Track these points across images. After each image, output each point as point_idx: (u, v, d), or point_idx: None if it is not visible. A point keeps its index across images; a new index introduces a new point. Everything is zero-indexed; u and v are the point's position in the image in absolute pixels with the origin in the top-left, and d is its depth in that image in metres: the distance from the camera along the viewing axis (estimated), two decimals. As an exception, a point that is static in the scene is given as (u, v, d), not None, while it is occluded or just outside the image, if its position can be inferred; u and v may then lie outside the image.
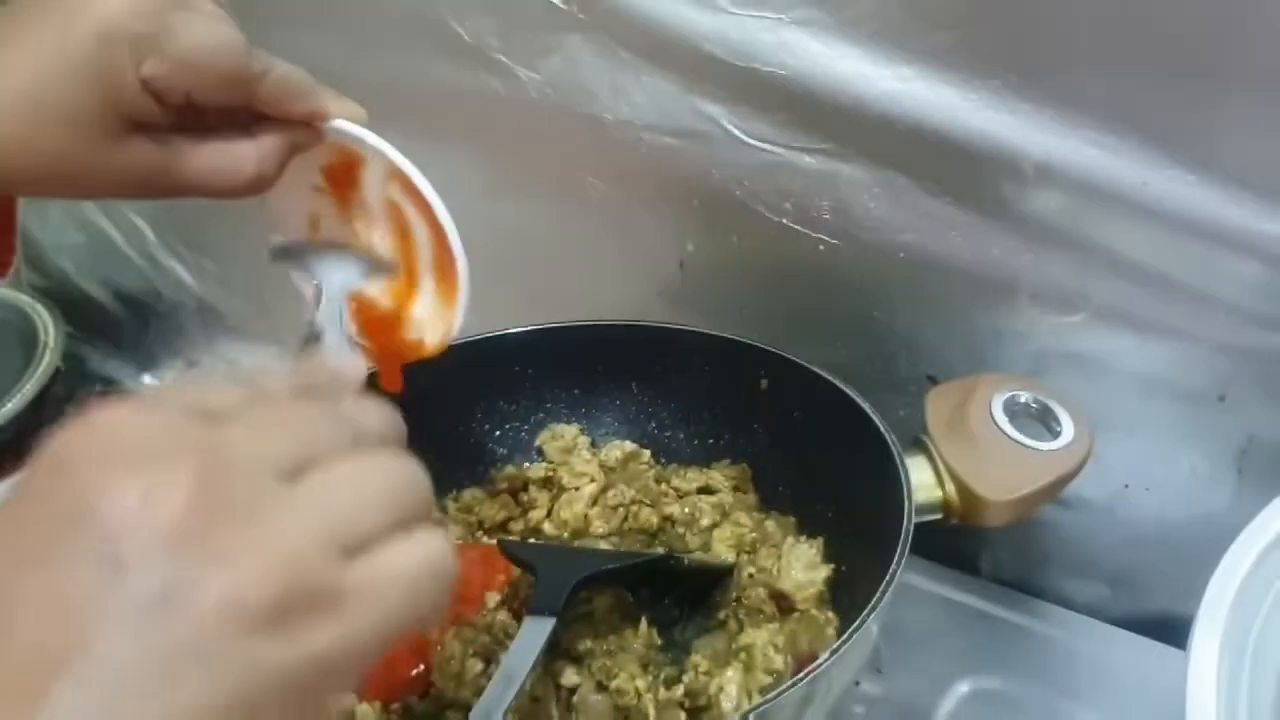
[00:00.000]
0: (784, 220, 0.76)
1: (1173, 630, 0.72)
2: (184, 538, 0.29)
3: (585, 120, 0.80)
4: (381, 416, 0.37)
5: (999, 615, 0.76)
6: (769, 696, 0.54)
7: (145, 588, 0.29)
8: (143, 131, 0.51)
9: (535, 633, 0.59)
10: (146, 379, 1.31)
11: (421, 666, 0.66)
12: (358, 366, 0.55)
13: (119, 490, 0.30)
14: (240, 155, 0.54)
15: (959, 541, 0.81)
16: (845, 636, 0.55)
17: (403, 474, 0.35)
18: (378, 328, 0.62)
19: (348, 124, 0.57)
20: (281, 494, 0.32)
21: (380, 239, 0.62)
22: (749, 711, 0.54)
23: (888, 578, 0.58)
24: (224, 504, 0.30)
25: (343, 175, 0.61)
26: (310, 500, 0.32)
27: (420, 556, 0.33)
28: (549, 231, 0.88)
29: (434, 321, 0.61)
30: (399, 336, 0.61)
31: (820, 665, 0.54)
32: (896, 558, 0.59)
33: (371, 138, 0.57)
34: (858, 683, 0.71)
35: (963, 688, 0.71)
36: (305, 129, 0.56)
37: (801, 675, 0.53)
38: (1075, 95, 0.64)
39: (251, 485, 0.31)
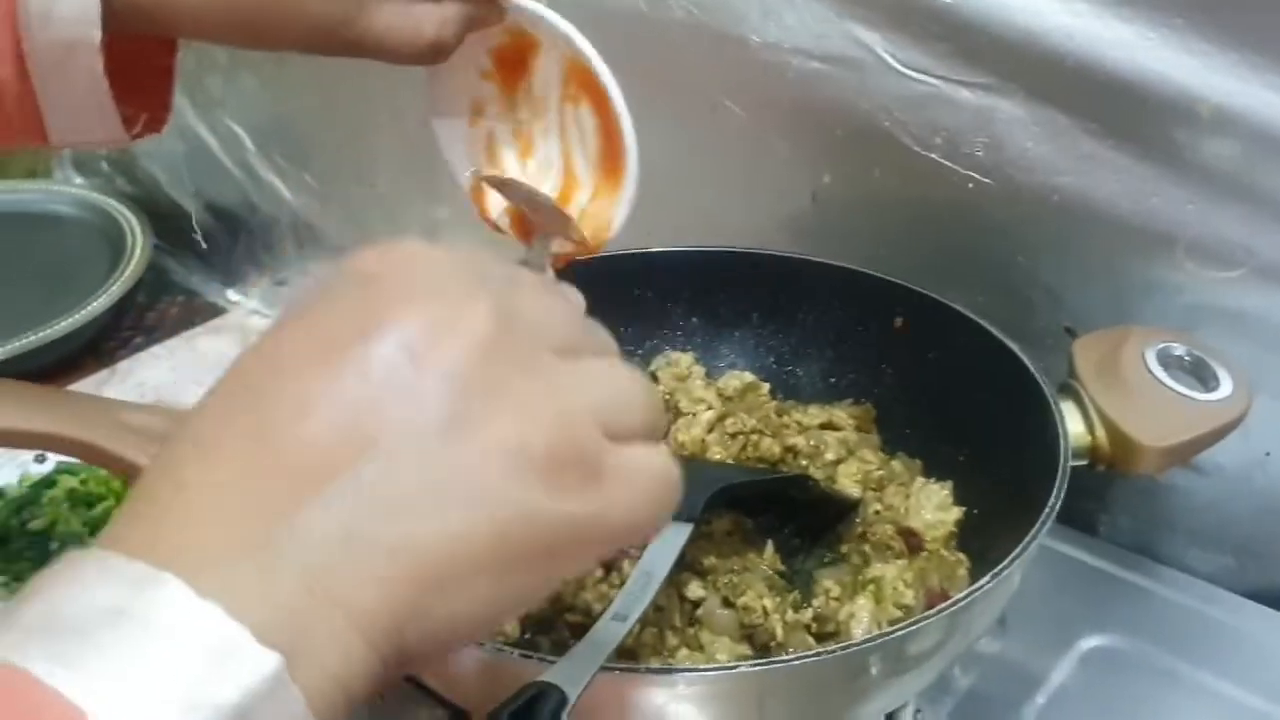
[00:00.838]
0: (933, 155, 0.74)
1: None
2: (481, 369, 0.30)
3: (730, 41, 0.79)
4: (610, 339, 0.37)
5: (1120, 576, 0.74)
6: (925, 615, 0.53)
7: (437, 410, 0.29)
8: None
9: (672, 536, 0.57)
10: (231, 294, 1.31)
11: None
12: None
13: (424, 308, 0.30)
14: (421, 17, 0.53)
15: (1078, 502, 0.79)
16: (1009, 560, 0.53)
17: (654, 392, 0.37)
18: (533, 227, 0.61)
19: (532, 2, 0.55)
20: (560, 364, 0.32)
21: (544, 132, 0.61)
22: (902, 628, 0.52)
23: (1043, 516, 0.57)
24: (513, 353, 0.31)
25: (513, 60, 0.59)
26: (584, 379, 0.33)
27: (664, 464, 0.34)
28: (675, 155, 0.86)
29: (594, 219, 0.60)
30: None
31: (985, 585, 0.52)
32: (1053, 497, 0.58)
33: (555, 18, 0.55)
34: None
35: (1084, 645, 0.69)
36: (488, 2, 0.55)
37: (964, 595, 0.52)
38: (1262, 38, 0.62)
39: (535, 347, 0.32)
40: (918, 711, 0.65)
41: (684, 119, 0.84)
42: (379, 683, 0.29)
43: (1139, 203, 0.69)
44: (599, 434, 0.32)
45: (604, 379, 0.34)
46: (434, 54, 0.54)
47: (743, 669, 0.50)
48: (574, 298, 0.38)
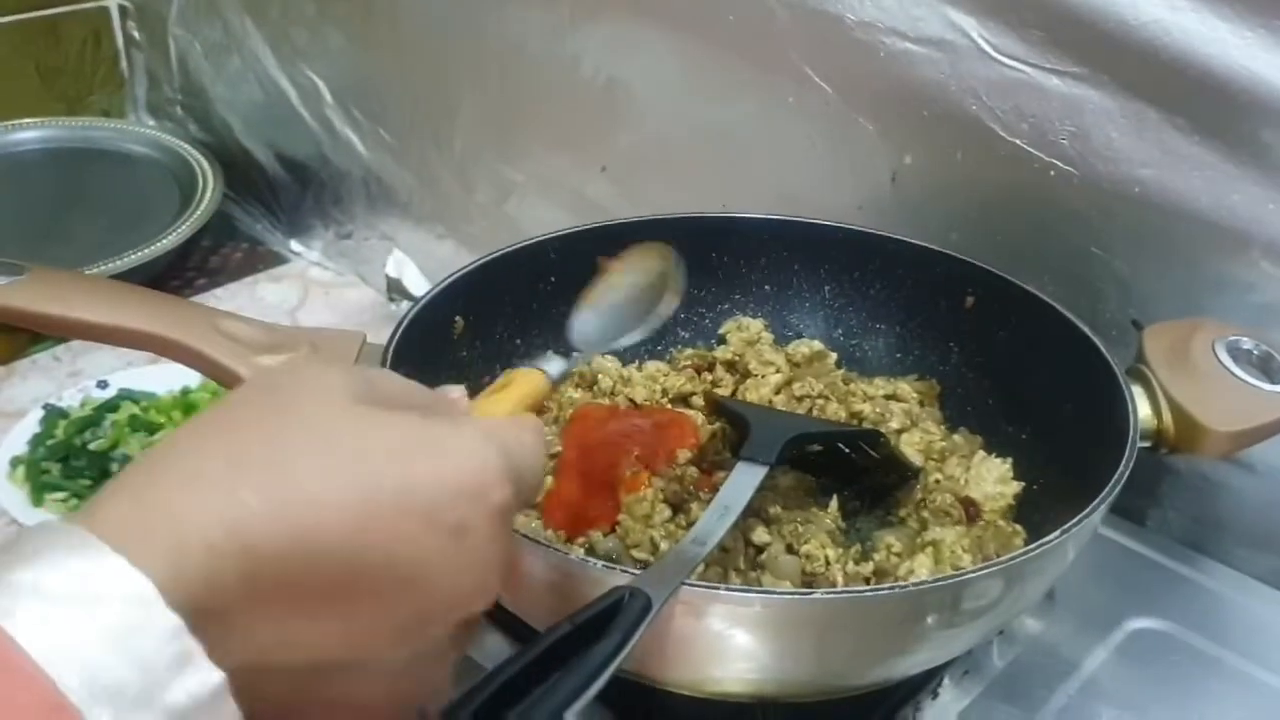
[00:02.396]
0: (1018, 141, 0.76)
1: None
2: None
3: (824, 18, 0.80)
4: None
5: (1168, 565, 0.75)
6: (986, 564, 0.54)
7: None
8: None
9: (749, 475, 0.59)
10: (294, 244, 1.33)
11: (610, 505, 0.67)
12: None
13: None
14: None
15: (1128, 496, 0.80)
16: (1074, 522, 0.55)
17: None
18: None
19: None
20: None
21: None
22: (963, 574, 0.54)
23: (1108, 488, 0.58)
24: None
25: None
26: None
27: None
28: (759, 126, 0.88)
29: None
30: None
31: (1050, 541, 0.53)
32: (1118, 473, 0.59)
33: None
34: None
35: (1129, 627, 0.70)
36: None
37: (1025, 551, 0.54)
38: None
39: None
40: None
41: (771, 91, 0.86)
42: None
43: (1219, 200, 0.70)
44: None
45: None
46: None
47: (817, 595, 0.52)
48: None
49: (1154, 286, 0.75)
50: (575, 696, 0.40)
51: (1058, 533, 0.54)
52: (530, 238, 0.78)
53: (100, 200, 1.34)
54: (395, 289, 1.29)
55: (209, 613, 0.32)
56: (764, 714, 0.57)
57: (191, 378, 1.11)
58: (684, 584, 0.49)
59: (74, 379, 1.04)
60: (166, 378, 1.08)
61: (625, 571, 0.51)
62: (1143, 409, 0.65)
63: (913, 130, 0.80)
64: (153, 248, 1.19)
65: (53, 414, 0.96)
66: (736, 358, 0.79)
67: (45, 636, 0.29)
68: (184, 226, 1.24)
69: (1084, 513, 0.56)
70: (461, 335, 0.74)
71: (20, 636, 0.29)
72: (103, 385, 1.02)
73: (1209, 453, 0.64)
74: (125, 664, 0.30)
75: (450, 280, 0.72)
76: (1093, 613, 0.71)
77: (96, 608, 0.30)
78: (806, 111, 0.85)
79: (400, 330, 0.67)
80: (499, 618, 0.67)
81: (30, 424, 0.95)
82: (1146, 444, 0.65)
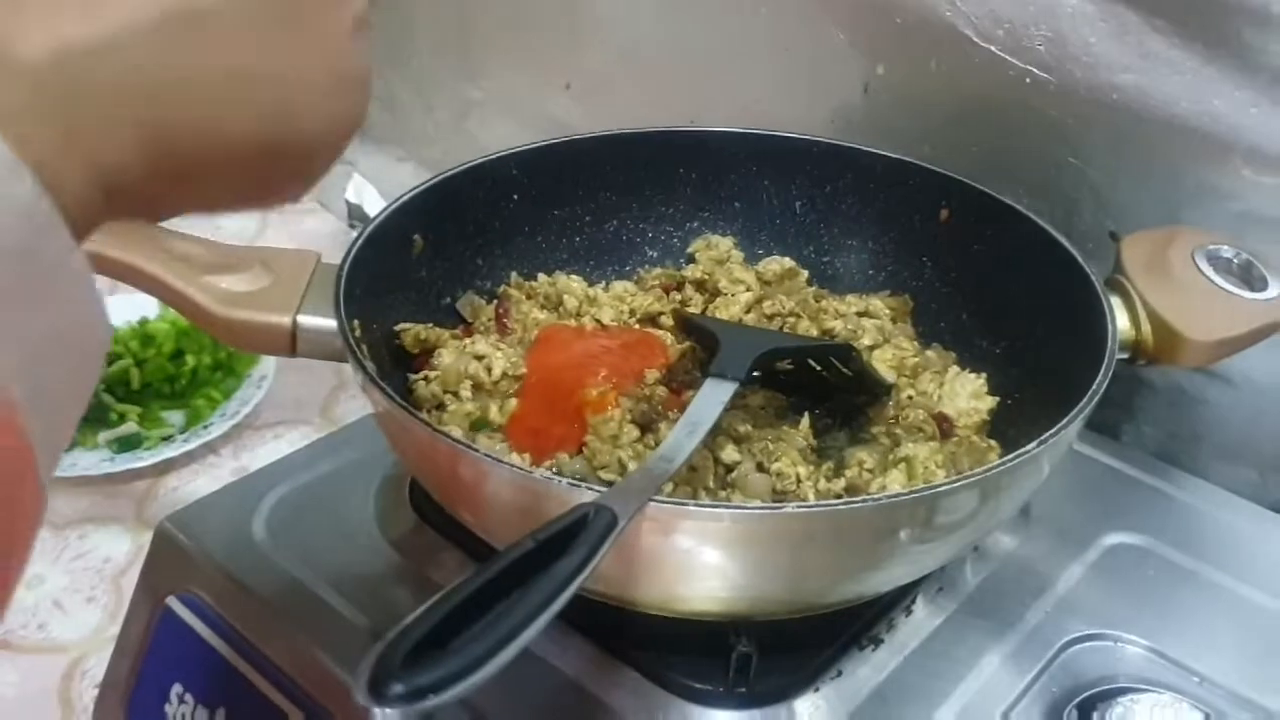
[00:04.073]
0: (992, 48, 0.73)
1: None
2: None
3: (794, -78, 0.78)
4: None
5: (1144, 480, 0.74)
6: (961, 476, 0.53)
7: None
8: None
9: (717, 392, 0.57)
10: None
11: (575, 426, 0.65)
12: None
13: None
14: None
15: (1103, 411, 0.79)
16: (1051, 433, 0.53)
17: None
18: None
19: None
20: None
21: None
22: (938, 485, 0.52)
23: (1085, 399, 0.57)
24: None
25: None
26: None
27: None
28: (727, 38, 0.86)
29: None
30: None
31: (1027, 452, 0.52)
32: (1096, 385, 0.57)
33: None
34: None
35: (1105, 542, 0.69)
36: None
37: (1000, 462, 0.52)
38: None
39: None
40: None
41: (738, 1, 0.83)
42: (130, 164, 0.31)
43: (1200, 104, 0.68)
44: None
45: None
46: None
47: (788, 509, 0.50)
48: None
49: (1131, 196, 0.73)
50: (536, 614, 0.39)
51: (1033, 444, 0.53)
52: (491, 153, 0.75)
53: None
54: (356, 214, 1.26)
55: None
56: (737, 633, 0.56)
57: (149, 307, 1.08)
58: (651, 500, 0.48)
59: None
60: (122, 309, 1.05)
61: (591, 489, 0.49)
62: (1121, 320, 0.63)
63: (886, 39, 0.78)
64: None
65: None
66: (706, 276, 0.77)
67: None
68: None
69: (1061, 424, 0.55)
70: (420, 254, 0.72)
71: None
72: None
73: (1188, 363, 0.62)
74: None
75: (407, 197, 0.70)
76: (1068, 528, 0.70)
77: None
78: (778, 21, 0.82)
79: (355, 249, 0.64)
80: (461, 541, 0.66)
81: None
82: (1124, 355, 0.63)
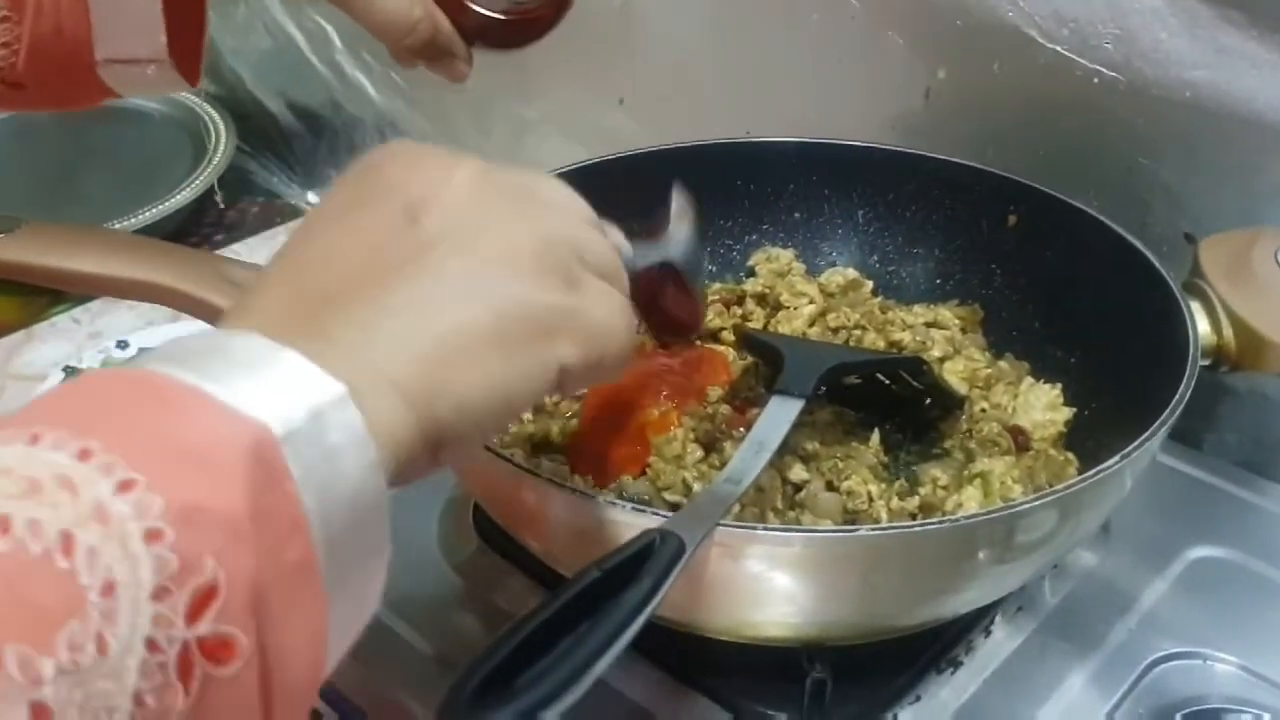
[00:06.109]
0: (1058, 48, 0.71)
1: None
2: (470, 210, 0.38)
3: (849, -73, 0.76)
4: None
5: (1227, 490, 0.72)
6: (1039, 494, 0.51)
7: (437, 241, 0.37)
8: None
9: (783, 410, 0.56)
10: (311, 196, 1.31)
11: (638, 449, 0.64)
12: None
13: (420, 170, 0.39)
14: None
15: (1183, 420, 0.77)
16: (1131, 448, 0.51)
17: (616, 250, 0.44)
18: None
19: None
20: (540, 208, 0.41)
21: None
22: (1015, 505, 0.50)
23: (1167, 411, 0.55)
24: (498, 198, 0.39)
25: None
26: (562, 218, 0.41)
27: (624, 298, 0.42)
28: (785, 46, 0.84)
29: None
30: None
31: (1109, 467, 0.50)
32: (1179, 395, 0.55)
33: None
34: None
35: (1189, 556, 0.67)
36: None
37: (1080, 479, 0.50)
38: None
39: (518, 196, 0.40)
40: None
41: (795, 9, 0.82)
42: (420, 456, 0.35)
43: (1278, 99, 0.66)
44: (574, 257, 0.40)
45: (578, 221, 0.42)
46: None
47: (861, 532, 0.49)
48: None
49: (1207, 197, 0.71)
50: (605, 647, 0.37)
51: (1116, 459, 0.51)
52: (547, 170, 0.74)
53: (112, 158, 1.31)
54: (415, 236, 1.26)
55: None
56: (810, 658, 0.54)
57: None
58: (719, 525, 0.46)
59: (94, 340, 1.03)
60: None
61: (656, 514, 0.48)
62: (1202, 325, 0.61)
63: (946, 42, 0.76)
64: (166, 204, 1.17)
65: (73, 376, 0.95)
66: (767, 290, 0.76)
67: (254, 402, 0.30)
68: (197, 181, 1.21)
69: (1143, 437, 0.53)
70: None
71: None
72: (123, 345, 1.00)
73: (1274, 368, 0.60)
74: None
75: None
76: (1149, 543, 0.68)
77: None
78: (836, 28, 0.80)
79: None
80: (525, 564, 0.65)
81: (50, 388, 0.93)
82: (1206, 362, 0.61)
